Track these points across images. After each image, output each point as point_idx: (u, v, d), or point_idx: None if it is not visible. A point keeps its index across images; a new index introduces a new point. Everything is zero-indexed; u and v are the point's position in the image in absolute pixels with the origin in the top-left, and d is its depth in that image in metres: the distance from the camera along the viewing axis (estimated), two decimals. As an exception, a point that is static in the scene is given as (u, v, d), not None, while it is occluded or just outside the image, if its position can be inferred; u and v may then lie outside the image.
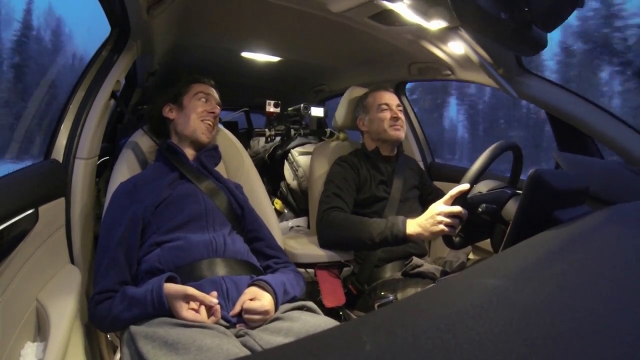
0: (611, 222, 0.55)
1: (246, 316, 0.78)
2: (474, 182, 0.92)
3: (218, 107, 1.10)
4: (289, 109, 1.93)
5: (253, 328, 0.77)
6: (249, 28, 1.46)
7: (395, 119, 1.33)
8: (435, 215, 0.96)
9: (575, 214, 0.63)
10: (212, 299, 0.75)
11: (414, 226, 1.03)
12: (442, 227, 0.95)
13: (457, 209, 0.94)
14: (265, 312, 0.78)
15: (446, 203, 0.96)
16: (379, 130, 1.35)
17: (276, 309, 0.82)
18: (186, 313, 0.73)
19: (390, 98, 1.38)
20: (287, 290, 0.87)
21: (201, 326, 0.71)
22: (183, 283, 0.79)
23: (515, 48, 1.02)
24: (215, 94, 1.12)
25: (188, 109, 1.06)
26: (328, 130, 1.96)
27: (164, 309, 0.73)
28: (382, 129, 1.34)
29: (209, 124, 1.07)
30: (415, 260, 1.16)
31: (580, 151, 1.22)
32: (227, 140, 1.28)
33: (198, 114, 1.06)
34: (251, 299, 0.79)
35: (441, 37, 1.20)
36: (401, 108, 1.38)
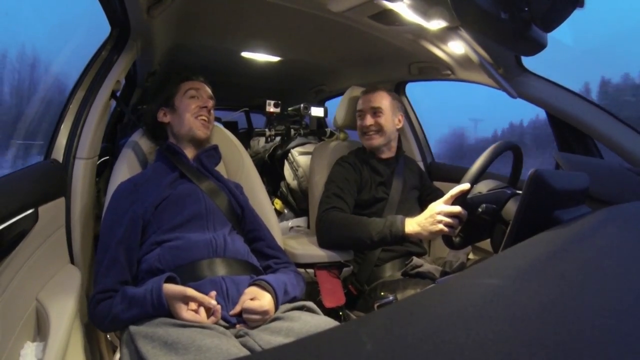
0: (611, 222, 0.55)
1: (245, 316, 0.78)
2: (474, 182, 0.91)
3: (210, 101, 1.09)
4: (289, 109, 1.93)
5: (252, 328, 0.77)
6: (249, 28, 1.46)
7: (366, 126, 1.32)
8: (435, 214, 0.96)
9: (575, 214, 0.63)
10: (212, 300, 0.75)
11: (413, 225, 1.03)
12: (441, 226, 0.95)
13: (457, 208, 0.93)
14: (265, 312, 0.78)
15: (446, 203, 0.95)
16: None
17: (276, 309, 0.82)
18: (186, 314, 0.73)
19: (364, 102, 1.35)
20: (288, 291, 0.87)
21: (201, 326, 0.71)
22: (183, 283, 0.79)
23: (515, 48, 1.02)
24: (206, 87, 1.11)
25: (180, 108, 1.06)
26: (328, 130, 1.96)
27: (163, 309, 0.73)
28: (360, 135, 1.35)
29: (204, 120, 1.06)
30: (415, 260, 1.16)
31: (580, 151, 1.22)
32: (227, 140, 1.28)
33: (191, 112, 1.05)
34: (251, 299, 0.79)
35: (441, 37, 1.20)
36: (381, 112, 1.32)
